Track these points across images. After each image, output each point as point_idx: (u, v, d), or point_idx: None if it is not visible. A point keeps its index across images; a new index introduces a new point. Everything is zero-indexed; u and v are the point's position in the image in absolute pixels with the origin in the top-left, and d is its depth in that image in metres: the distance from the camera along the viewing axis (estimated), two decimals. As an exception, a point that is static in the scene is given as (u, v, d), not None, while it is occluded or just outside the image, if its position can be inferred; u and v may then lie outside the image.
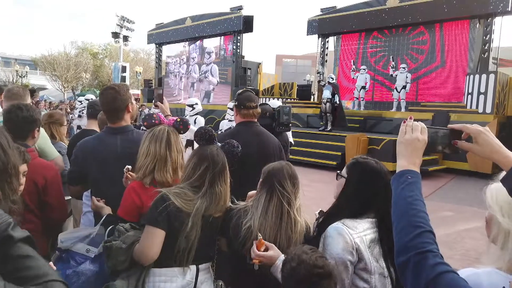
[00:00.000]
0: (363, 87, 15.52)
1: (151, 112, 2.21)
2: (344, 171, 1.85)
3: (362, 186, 1.75)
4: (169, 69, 22.02)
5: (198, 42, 20.07)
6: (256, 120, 3.02)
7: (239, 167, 2.52)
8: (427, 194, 8.20)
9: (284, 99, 17.55)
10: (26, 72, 34.60)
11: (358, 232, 1.67)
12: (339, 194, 1.83)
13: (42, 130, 2.78)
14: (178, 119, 2.14)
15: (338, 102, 12.29)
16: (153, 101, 3.59)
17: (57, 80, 37.77)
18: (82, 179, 2.38)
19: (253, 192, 2.12)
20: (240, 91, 3.02)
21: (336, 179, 1.88)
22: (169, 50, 22.16)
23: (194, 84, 20.42)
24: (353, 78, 15.78)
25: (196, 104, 6.89)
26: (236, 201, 2.09)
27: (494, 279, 1.08)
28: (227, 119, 6.81)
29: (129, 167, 2.12)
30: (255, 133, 2.95)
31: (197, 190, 1.84)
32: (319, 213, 2.20)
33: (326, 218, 1.83)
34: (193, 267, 1.83)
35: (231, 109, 5.74)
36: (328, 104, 12.31)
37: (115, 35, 26.76)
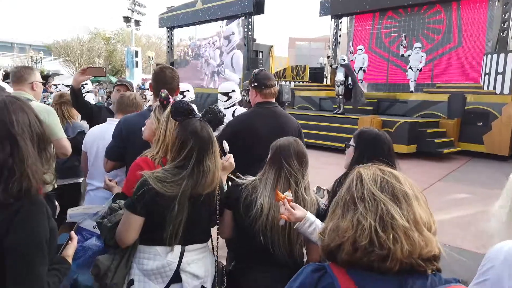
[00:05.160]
0: (361, 68, 15.24)
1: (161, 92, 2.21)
2: (351, 141, 2.03)
3: (369, 150, 1.92)
4: (200, 51, 21.09)
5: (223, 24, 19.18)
6: (274, 100, 2.97)
7: (256, 150, 2.55)
8: (442, 176, 8.13)
9: (280, 81, 17.39)
10: (41, 58, 34.98)
11: None
12: (350, 162, 1.97)
13: (52, 109, 2.85)
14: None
15: (352, 84, 12.09)
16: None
17: (71, 66, 38.12)
18: (121, 155, 2.44)
19: None
20: (256, 70, 2.97)
21: (345, 150, 2.04)
22: (203, 32, 20.88)
23: (214, 74, 19.85)
24: (352, 60, 15.48)
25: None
26: (241, 176, 2.10)
27: None
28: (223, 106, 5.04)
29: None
30: (274, 115, 2.88)
31: (182, 170, 1.76)
32: (316, 188, 2.31)
33: (339, 187, 1.87)
34: (178, 248, 1.79)
35: (225, 94, 4.77)
36: (341, 86, 12.14)
37: (127, 19, 26.73)
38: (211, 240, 2.03)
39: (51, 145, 1.49)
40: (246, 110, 3.71)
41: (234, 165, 2.28)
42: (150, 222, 1.76)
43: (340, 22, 16.84)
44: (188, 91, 5.24)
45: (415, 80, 13.67)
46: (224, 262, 2.23)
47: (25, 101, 1.46)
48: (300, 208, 1.78)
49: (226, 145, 2.27)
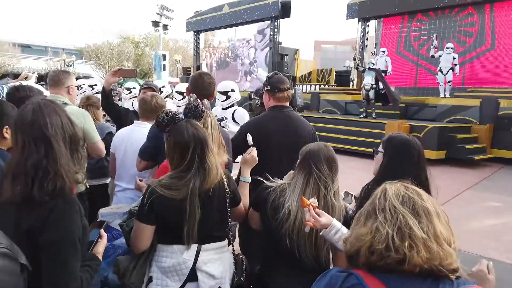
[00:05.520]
0: (384, 71, 14.92)
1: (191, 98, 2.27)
2: (380, 147, 1.98)
3: (399, 156, 1.87)
4: (238, 52, 20.93)
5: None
6: (288, 104, 2.93)
7: (269, 154, 2.55)
8: (472, 183, 7.86)
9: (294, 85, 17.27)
10: (73, 61, 36.20)
11: None
12: (378, 169, 1.93)
13: (87, 113, 2.96)
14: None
15: (383, 89, 11.82)
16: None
17: (101, 69, 39.26)
18: (154, 155, 2.51)
19: (290, 174, 2.14)
20: (270, 74, 2.95)
21: (373, 156, 1.99)
22: (242, 33, 20.63)
23: (246, 73, 19.57)
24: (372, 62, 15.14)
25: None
26: (272, 178, 2.10)
27: None
28: (221, 106, 4.53)
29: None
30: (287, 119, 2.84)
31: (187, 173, 1.78)
32: (344, 193, 2.27)
33: (369, 192, 1.86)
34: (194, 246, 1.82)
35: (223, 93, 4.41)
36: (372, 90, 11.85)
37: (155, 23, 27.27)
38: (229, 240, 2.03)
39: (82, 146, 1.55)
40: (257, 113, 3.66)
41: (257, 159, 2.28)
42: (166, 225, 1.81)
43: (368, 25, 16.63)
44: (233, 90, 4.63)
45: (450, 81, 12.93)
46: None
47: (59, 104, 1.53)
48: (326, 215, 1.76)
49: (249, 138, 2.28)
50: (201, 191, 1.79)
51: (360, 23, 16.58)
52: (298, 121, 2.90)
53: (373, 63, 12.12)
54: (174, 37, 45.14)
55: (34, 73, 4.20)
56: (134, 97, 5.47)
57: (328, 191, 1.90)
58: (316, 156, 1.92)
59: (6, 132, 1.99)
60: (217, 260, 1.89)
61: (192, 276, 1.81)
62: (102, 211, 2.14)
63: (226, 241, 1.99)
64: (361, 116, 12.28)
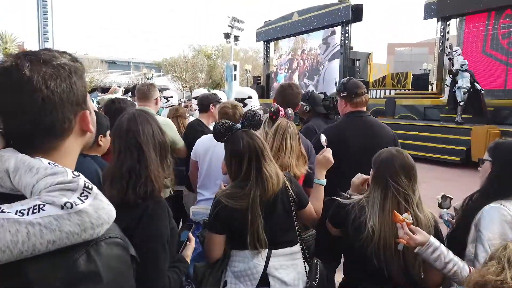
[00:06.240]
0: None
1: (275, 106, 2.27)
2: (486, 155, 1.84)
3: (510, 164, 1.73)
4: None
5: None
6: (365, 109, 2.84)
7: (347, 163, 2.43)
8: None
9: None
10: (152, 74, 38.87)
11: None
12: (486, 179, 1.79)
13: (170, 121, 3.21)
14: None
15: (482, 90, 10.96)
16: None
17: (177, 81, 41.64)
18: None
19: (359, 177, 2.09)
20: (345, 80, 2.88)
21: (479, 165, 1.86)
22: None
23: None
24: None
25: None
26: (344, 193, 2.02)
27: None
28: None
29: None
30: (366, 125, 2.73)
31: (247, 182, 1.81)
32: (442, 197, 2.16)
33: (475, 204, 1.78)
34: (264, 252, 1.83)
35: (239, 100, 4.09)
36: (467, 93, 11.02)
37: (227, 35, 28.27)
38: (301, 245, 1.99)
39: (171, 153, 1.62)
40: (305, 121, 3.48)
41: (332, 160, 2.19)
42: (233, 233, 1.86)
43: (448, 25, 15.53)
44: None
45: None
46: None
47: (151, 114, 1.64)
48: (422, 232, 1.66)
49: (323, 138, 2.22)
50: (263, 200, 1.81)
51: (440, 22, 15.55)
52: (378, 127, 2.79)
53: (465, 64, 11.18)
54: (244, 47, 46.44)
55: (120, 87, 4.55)
56: (172, 105, 5.58)
57: (409, 204, 1.77)
58: (390, 167, 1.78)
59: (101, 140, 2.16)
60: (289, 267, 1.88)
61: (264, 281, 1.82)
62: (193, 209, 2.26)
63: (298, 247, 1.96)
64: (457, 120, 11.40)
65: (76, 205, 0.73)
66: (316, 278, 1.93)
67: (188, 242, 1.71)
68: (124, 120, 1.55)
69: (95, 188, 0.79)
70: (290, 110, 2.30)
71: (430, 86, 18.43)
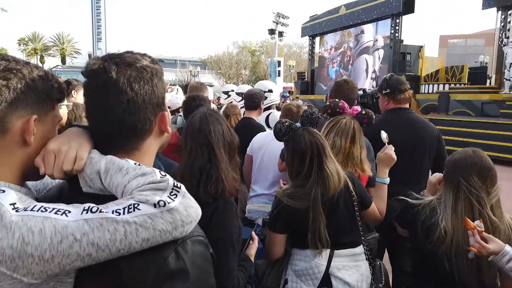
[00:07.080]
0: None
1: (336, 100, 2.20)
2: None
3: None
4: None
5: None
6: (408, 105, 2.82)
7: None
8: None
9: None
10: (197, 71, 39.73)
11: None
12: None
13: (221, 116, 3.26)
14: (363, 112, 2.09)
15: None
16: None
17: (221, 78, 42.28)
18: None
19: (436, 176, 2.00)
20: (387, 76, 2.85)
21: None
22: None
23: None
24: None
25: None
26: (414, 194, 1.94)
27: None
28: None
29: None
30: (409, 122, 2.70)
31: (308, 181, 1.79)
32: None
33: None
34: (326, 252, 1.82)
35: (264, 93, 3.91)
36: None
37: (271, 31, 28.30)
38: (364, 246, 1.94)
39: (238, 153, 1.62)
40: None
41: (395, 157, 2.12)
42: (295, 232, 1.87)
43: (509, 14, 14.46)
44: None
45: None
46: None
47: (220, 114, 1.67)
48: (496, 241, 1.58)
49: (384, 135, 2.17)
50: (324, 199, 1.78)
51: (500, 12, 14.51)
52: (421, 124, 2.74)
53: None
54: (288, 43, 46.19)
55: (175, 85, 4.66)
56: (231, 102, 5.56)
57: (483, 206, 1.67)
58: (462, 167, 1.71)
59: None
60: (352, 268, 1.85)
61: (326, 281, 1.80)
62: (249, 207, 2.28)
63: (361, 248, 1.93)
64: None
65: (168, 203, 0.74)
66: (382, 280, 1.92)
67: (251, 241, 1.71)
68: (196, 119, 1.57)
69: (183, 187, 0.80)
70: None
71: (488, 80, 17.30)
